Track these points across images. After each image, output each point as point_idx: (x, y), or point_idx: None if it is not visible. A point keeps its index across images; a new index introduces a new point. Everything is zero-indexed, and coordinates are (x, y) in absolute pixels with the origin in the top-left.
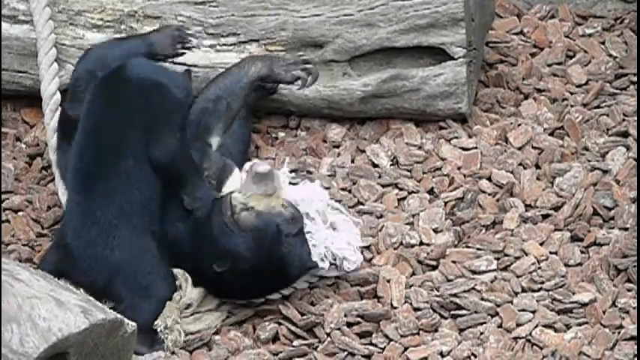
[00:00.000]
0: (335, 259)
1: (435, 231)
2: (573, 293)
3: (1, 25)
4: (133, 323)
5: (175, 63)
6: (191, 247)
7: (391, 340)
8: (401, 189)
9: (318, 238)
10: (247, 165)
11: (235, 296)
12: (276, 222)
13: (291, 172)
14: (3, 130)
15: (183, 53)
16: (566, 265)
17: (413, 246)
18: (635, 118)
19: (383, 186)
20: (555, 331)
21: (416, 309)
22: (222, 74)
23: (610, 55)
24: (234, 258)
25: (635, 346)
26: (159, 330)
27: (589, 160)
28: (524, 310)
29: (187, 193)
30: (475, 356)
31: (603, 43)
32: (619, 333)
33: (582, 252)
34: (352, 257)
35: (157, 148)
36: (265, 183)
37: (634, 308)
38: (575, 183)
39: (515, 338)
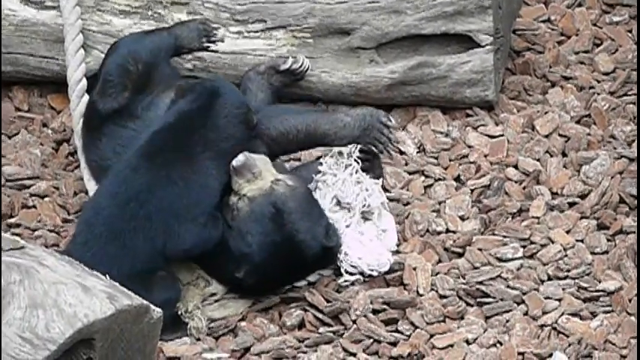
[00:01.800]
0: (365, 268)
1: (462, 218)
2: (599, 281)
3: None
4: (159, 310)
5: (204, 50)
6: (215, 257)
7: (417, 327)
8: (427, 176)
9: (352, 247)
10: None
11: (265, 293)
12: (270, 201)
13: (361, 152)
14: (30, 115)
15: (209, 47)
16: (592, 253)
17: (439, 233)
18: None
19: (409, 173)
20: (581, 319)
21: (442, 296)
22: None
23: (637, 43)
24: (247, 259)
25: None
26: (179, 313)
27: (615, 148)
28: (550, 297)
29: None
30: (501, 344)
31: (630, 31)
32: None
33: (608, 240)
34: (384, 267)
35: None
36: (245, 171)
37: None
38: (601, 171)
39: (541, 326)
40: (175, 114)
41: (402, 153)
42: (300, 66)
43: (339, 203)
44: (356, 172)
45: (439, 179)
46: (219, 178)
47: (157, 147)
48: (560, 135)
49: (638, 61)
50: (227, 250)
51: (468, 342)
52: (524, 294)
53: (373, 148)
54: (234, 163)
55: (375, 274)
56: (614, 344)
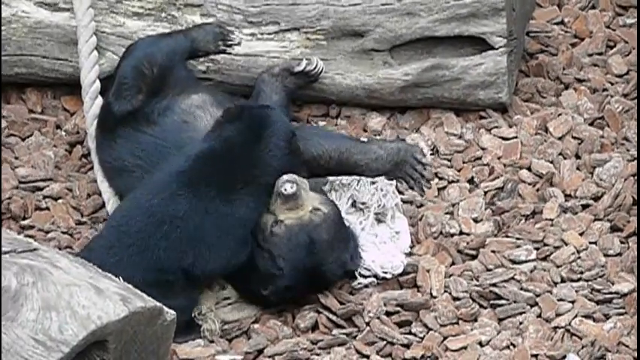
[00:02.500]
0: (379, 270)
1: (475, 220)
2: (612, 283)
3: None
4: (172, 312)
5: (220, 54)
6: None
7: (430, 329)
8: (441, 178)
9: (366, 249)
10: (278, 182)
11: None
12: (307, 231)
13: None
14: (43, 117)
15: (225, 50)
16: (605, 255)
17: (453, 235)
18: None
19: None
20: (594, 321)
21: (455, 298)
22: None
23: (637, 44)
24: (276, 281)
25: None
26: (193, 316)
27: (629, 150)
28: (563, 300)
29: None
30: (514, 346)
31: None
32: (637, 325)
33: (622, 242)
34: (397, 270)
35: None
36: (292, 201)
37: None
38: (615, 173)
39: (555, 328)
40: (221, 141)
41: None
42: (314, 68)
43: (354, 204)
44: None
45: (452, 181)
46: (256, 209)
47: (198, 175)
48: (573, 137)
49: (638, 62)
50: (254, 267)
51: (481, 344)
52: (537, 296)
53: (405, 184)
54: (283, 190)
55: (388, 276)
56: (627, 346)
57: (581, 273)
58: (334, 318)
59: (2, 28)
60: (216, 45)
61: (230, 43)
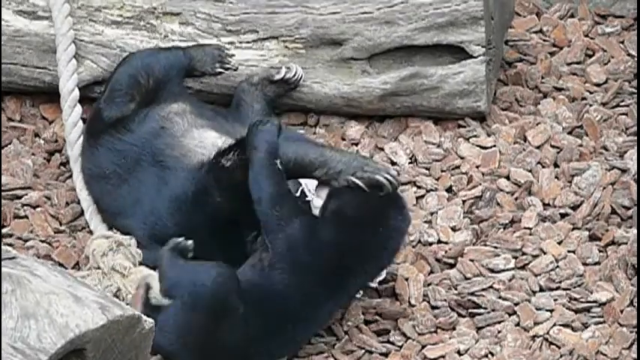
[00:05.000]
0: None
1: (454, 229)
2: (591, 292)
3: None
4: (151, 320)
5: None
6: None
7: (409, 338)
8: (419, 187)
9: None
10: None
11: None
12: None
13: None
14: (22, 125)
15: (221, 72)
16: (584, 264)
17: (431, 244)
18: None
19: (401, 184)
20: (573, 330)
21: (434, 307)
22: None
23: (629, 55)
24: None
25: None
26: None
27: (607, 160)
28: (541, 309)
29: None
30: (493, 355)
31: (622, 42)
32: (637, 332)
33: (600, 251)
34: (377, 278)
35: None
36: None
37: None
38: (593, 182)
39: (533, 337)
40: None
41: (393, 164)
42: (294, 75)
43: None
44: None
45: (431, 190)
46: None
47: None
48: (552, 146)
49: (638, 70)
50: None
51: (459, 353)
52: (515, 305)
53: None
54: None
55: (372, 285)
56: (605, 355)
57: (560, 282)
58: None
59: None
60: (214, 67)
61: (227, 66)
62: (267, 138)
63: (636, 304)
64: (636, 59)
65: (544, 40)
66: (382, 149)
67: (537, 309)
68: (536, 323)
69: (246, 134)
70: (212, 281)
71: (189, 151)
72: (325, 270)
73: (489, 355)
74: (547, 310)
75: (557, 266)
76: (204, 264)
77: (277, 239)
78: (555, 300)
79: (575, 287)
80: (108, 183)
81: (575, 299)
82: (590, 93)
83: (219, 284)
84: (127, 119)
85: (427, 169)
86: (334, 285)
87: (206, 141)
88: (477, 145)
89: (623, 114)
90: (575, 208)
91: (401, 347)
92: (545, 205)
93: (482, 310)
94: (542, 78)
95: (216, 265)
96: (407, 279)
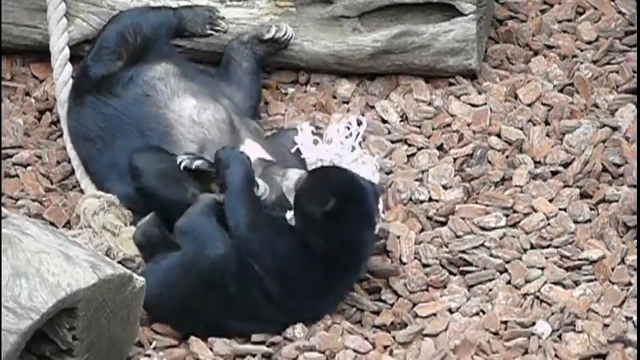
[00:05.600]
0: None
1: (445, 187)
2: (582, 250)
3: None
4: (142, 278)
5: (205, 37)
6: None
7: (400, 296)
8: (410, 145)
9: None
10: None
11: None
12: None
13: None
14: (13, 84)
15: (211, 34)
16: (575, 221)
17: (422, 202)
18: None
19: (392, 142)
20: (564, 287)
21: (425, 265)
22: None
23: (620, 12)
24: None
25: None
26: None
27: (598, 117)
28: (533, 266)
29: None
30: (484, 312)
31: (613, 0)
32: (628, 290)
33: (591, 209)
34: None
35: None
36: None
37: None
38: (584, 140)
39: (524, 295)
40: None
41: (384, 122)
42: (284, 35)
43: None
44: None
45: (422, 148)
46: None
47: None
48: (543, 104)
49: (638, 69)
50: None
51: (450, 311)
52: (507, 262)
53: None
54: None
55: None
56: (596, 313)
57: (551, 240)
58: None
59: None
60: (204, 28)
61: (217, 29)
62: (240, 166)
63: (627, 262)
64: (627, 17)
65: None
66: (373, 107)
67: (528, 267)
68: (527, 281)
69: (214, 161)
70: (216, 255)
71: (172, 128)
72: (321, 275)
73: (480, 313)
74: (538, 268)
75: (549, 224)
76: (221, 235)
77: (265, 260)
78: (546, 258)
79: (566, 245)
80: (93, 147)
81: (567, 257)
82: (581, 51)
83: (220, 260)
84: (112, 80)
85: (418, 127)
86: (334, 285)
87: (184, 112)
88: (468, 103)
89: (613, 72)
90: (566, 165)
91: (392, 305)
92: (536, 163)
93: (473, 268)
94: (533, 36)
95: (227, 242)
96: (398, 237)
